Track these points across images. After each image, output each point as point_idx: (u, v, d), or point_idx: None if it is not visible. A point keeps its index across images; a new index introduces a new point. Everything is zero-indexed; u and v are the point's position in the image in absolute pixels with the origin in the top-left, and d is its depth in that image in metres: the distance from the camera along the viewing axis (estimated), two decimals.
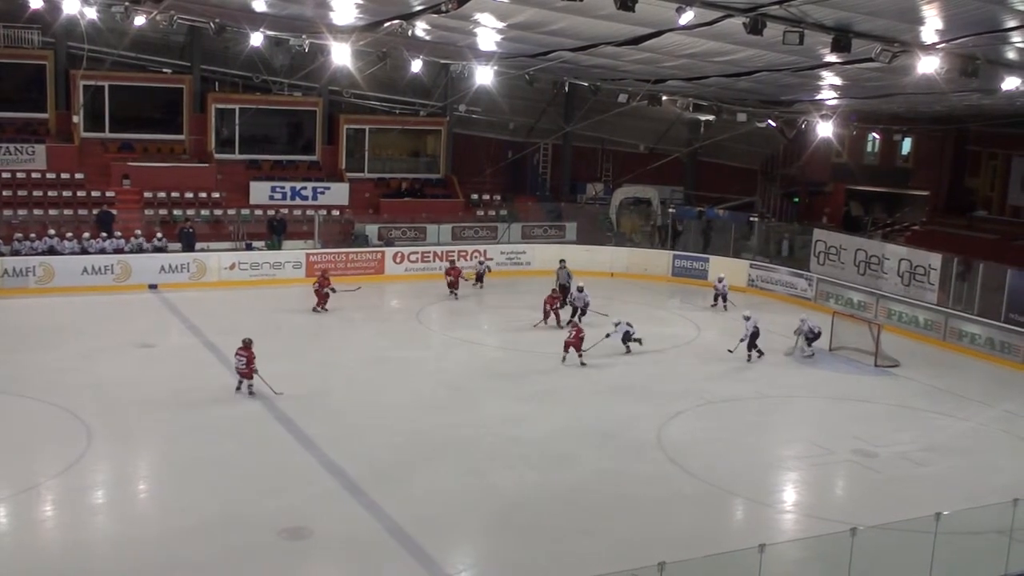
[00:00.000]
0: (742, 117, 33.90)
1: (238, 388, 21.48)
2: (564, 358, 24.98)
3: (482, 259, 35.68)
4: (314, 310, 29.48)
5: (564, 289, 31.83)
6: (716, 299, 32.39)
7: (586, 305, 29.09)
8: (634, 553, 14.91)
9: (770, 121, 34.90)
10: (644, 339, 26.52)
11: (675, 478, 18.45)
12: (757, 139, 39.95)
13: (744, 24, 18.21)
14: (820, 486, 19.13)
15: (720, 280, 32.57)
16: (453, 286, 32.62)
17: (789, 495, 18.57)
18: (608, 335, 25.93)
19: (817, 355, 26.82)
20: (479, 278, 34.20)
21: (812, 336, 26.92)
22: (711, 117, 36.68)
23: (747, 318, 26.31)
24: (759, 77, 26.72)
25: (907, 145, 40.44)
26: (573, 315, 28.47)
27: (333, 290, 29.68)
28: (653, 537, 15.75)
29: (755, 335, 26.08)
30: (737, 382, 24.40)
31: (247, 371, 21.25)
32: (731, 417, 22.07)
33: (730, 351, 26.22)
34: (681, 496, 17.68)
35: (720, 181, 43.79)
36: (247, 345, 21.26)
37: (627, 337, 26.13)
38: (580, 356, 24.96)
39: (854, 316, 29.26)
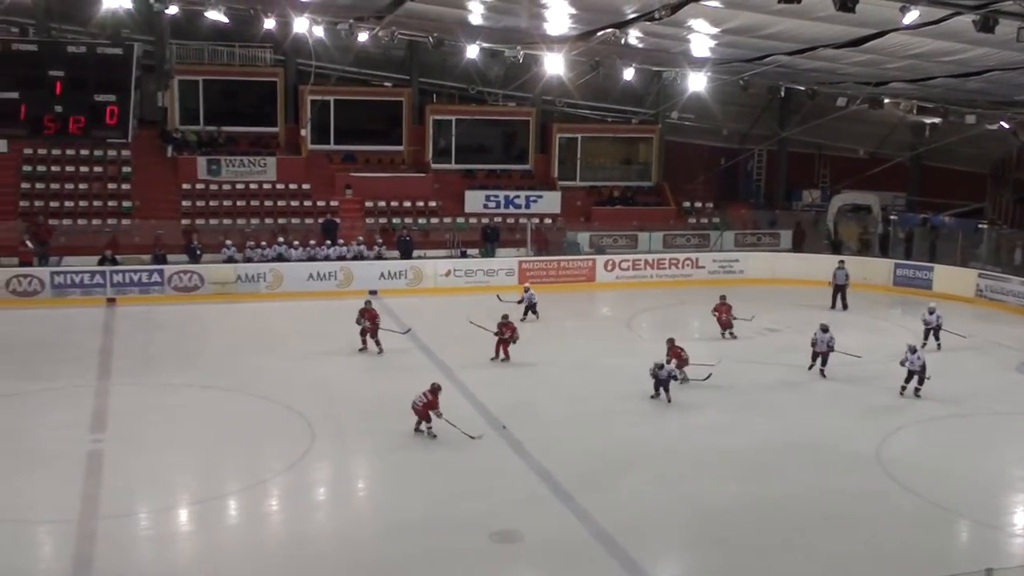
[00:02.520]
0: (971, 119, 32.30)
1: (416, 429, 19.70)
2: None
3: (527, 285, 30.91)
4: (362, 350, 25.92)
5: (839, 288, 32.44)
6: (927, 335, 27.08)
7: (830, 349, 24.36)
8: (847, 572, 14.45)
9: (1002, 123, 33.11)
10: (862, 351, 25.64)
11: (894, 495, 17.69)
12: (987, 141, 37.94)
13: (974, 22, 17.43)
14: None
15: (931, 311, 27.34)
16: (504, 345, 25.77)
17: (1020, 518, 17.52)
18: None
19: None
20: (529, 310, 29.86)
21: None
22: (937, 120, 35.12)
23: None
24: (990, 77, 25.41)
25: None
26: (813, 363, 24.51)
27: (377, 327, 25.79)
28: (868, 555, 15.18)
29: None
30: (963, 397, 23.15)
31: (423, 410, 19.49)
32: (957, 433, 21.02)
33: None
34: (900, 514, 16.95)
35: (946, 186, 41.81)
36: (434, 391, 19.52)
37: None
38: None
39: None
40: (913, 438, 20.64)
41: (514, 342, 25.29)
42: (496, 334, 25.36)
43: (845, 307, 32.37)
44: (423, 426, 19.52)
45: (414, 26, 31.17)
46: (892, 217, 39.00)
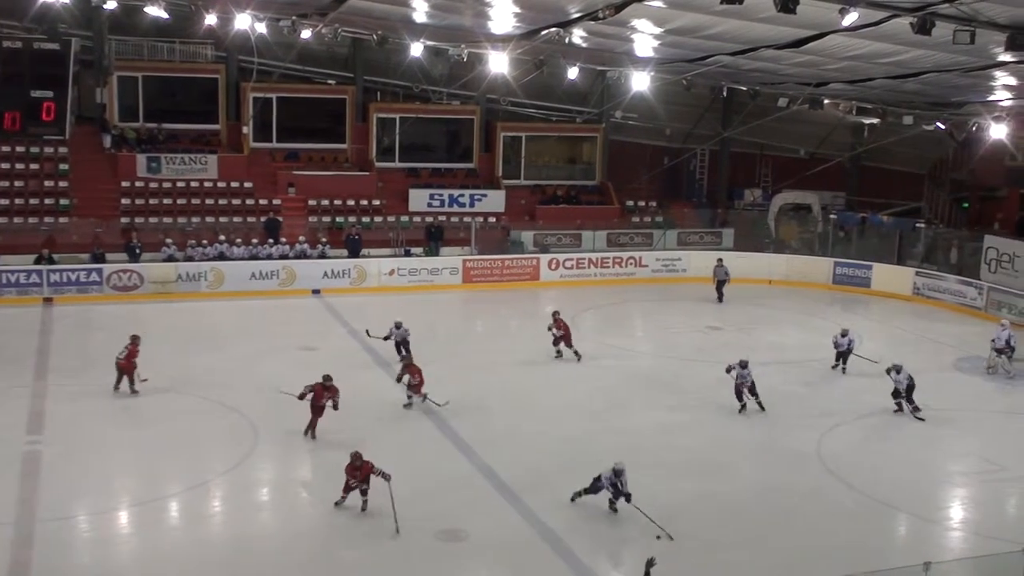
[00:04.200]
0: (908, 120, 32.80)
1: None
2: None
3: (399, 321, 25.24)
4: (117, 388, 22.04)
5: (722, 284, 32.82)
6: (838, 359, 25.27)
7: (752, 384, 21.84)
8: (792, 567, 14.64)
9: (938, 124, 33.71)
10: (802, 350, 25.91)
11: (835, 491, 17.97)
12: (924, 142, 38.62)
13: (911, 24, 17.68)
14: (991, 504, 18.28)
15: (844, 334, 25.31)
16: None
17: (956, 512, 17.86)
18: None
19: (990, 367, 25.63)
20: (401, 346, 24.90)
21: (1011, 351, 25.19)
22: (875, 120, 35.61)
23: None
24: (927, 78, 25.84)
25: None
26: (742, 403, 21.82)
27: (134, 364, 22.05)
28: (812, 551, 15.40)
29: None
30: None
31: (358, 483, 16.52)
32: (894, 430, 21.33)
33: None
34: (841, 510, 17.21)
35: (884, 186, 42.48)
36: (354, 461, 16.41)
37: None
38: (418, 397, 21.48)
39: None
40: (851, 435, 20.94)
41: (335, 408, 19.64)
42: (301, 397, 19.57)
43: (720, 300, 33.03)
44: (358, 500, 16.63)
45: (358, 23, 31.01)
46: (832, 216, 39.53)
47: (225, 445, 19.18)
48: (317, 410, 19.52)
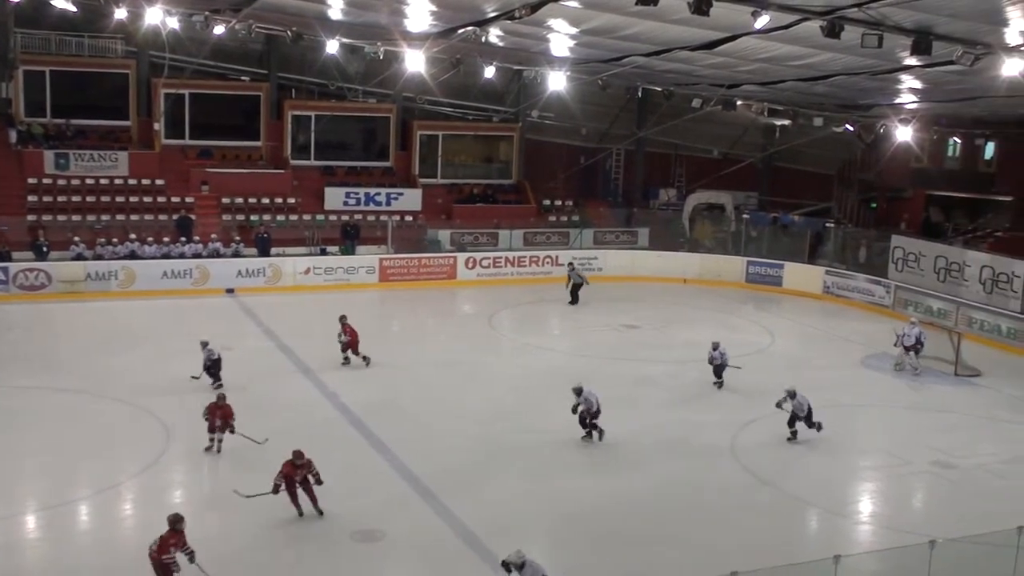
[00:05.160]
0: (819, 122, 33.45)
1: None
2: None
3: (204, 341, 22.69)
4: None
5: (578, 288, 32.65)
6: (717, 373, 23.92)
7: (592, 413, 20.07)
8: (706, 562, 14.79)
9: (847, 126, 34.46)
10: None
11: (748, 487, 18.26)
12: (834, 144, 39.46)
13: (821, 27, 18.00)
14: (897, 497, 18.78)
15: (715, 347, 24.01)
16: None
17: (865, 506, 18.27)
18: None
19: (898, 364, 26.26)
20: (214, 375, 22.33)
21: (920, 346, 25.77)
22: (787, 122, 36.30)
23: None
24: (836, 81, 26.36)
25: (990, 149, 39.55)
26: (588, 430, 20.14)
27: None
28: (725, 546, 15.59)
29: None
30: (812, 391, 23.75)
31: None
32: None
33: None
34: (754, 505, 17.48)
35: (795, 186, 43.30)
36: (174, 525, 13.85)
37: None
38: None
39: (934, 324, 28.65)
40: (764, 431, 21.22)
41: (319, 482, 16.40)
42: (275, 490, 16.15)
43: (575, 302, 32.70)
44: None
45: (272, 20, 30.58)
46: (745, 216, 40.16)
47: (137, 447, 18.81)
48: (296, 489, 16.21)
